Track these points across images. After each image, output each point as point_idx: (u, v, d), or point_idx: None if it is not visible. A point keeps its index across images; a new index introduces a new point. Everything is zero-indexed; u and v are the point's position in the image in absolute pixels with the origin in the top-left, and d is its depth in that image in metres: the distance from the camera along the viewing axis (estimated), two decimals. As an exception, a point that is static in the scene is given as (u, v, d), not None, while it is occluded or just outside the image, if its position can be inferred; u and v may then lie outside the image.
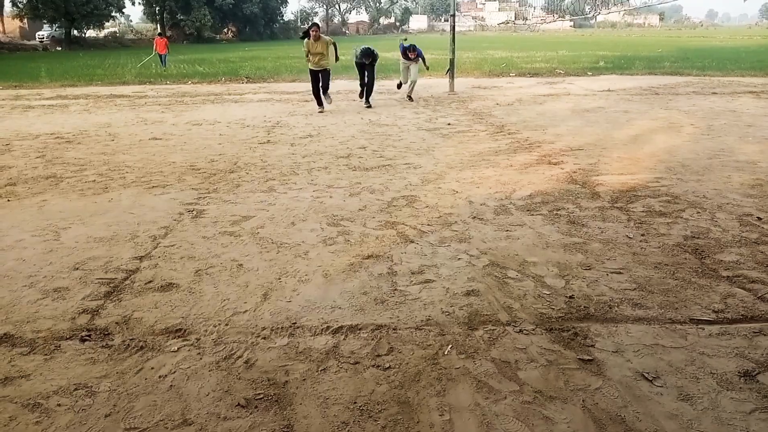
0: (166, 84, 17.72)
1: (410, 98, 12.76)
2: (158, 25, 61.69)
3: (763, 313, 3.14)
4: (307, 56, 10.88)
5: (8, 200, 5.53)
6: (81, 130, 9.47)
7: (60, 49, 44.68)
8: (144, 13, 67.79)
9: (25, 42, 48.19)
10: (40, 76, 18.83)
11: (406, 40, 13.54)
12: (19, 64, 26.63)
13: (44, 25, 50.31)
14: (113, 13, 52.33)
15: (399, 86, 13.44)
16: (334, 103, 11.81)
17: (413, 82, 12.63)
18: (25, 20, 49.47)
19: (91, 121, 10.47)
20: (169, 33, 59.32)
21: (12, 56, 35.84)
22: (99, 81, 18.33)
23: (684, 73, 17.81)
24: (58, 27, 47.35)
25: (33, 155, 7.59)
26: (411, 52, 12.18)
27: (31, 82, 17.91)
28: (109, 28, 60.39)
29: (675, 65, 19.96)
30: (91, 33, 53.95)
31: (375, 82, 12.29)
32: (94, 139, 8.73)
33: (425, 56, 12.62)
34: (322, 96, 11.23)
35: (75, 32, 48.55)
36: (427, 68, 13.17)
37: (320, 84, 11.08)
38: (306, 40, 10.72)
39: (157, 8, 59.30)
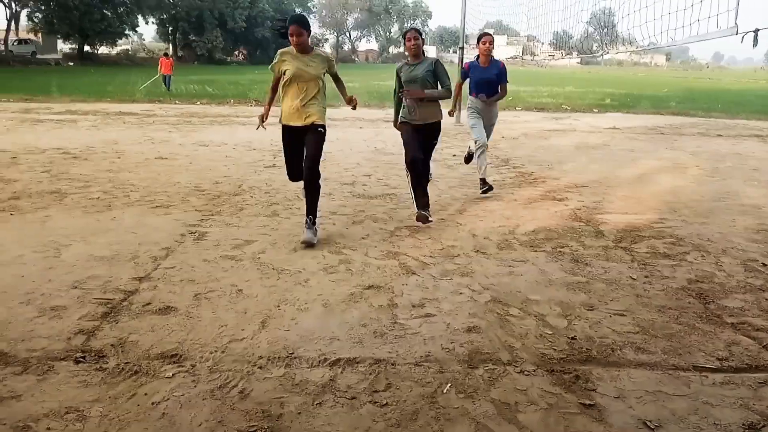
0: (175, 104, 17.87)
1: (485, 184, 6.70)
2: (170, 45, 62.54)
3: (768, 363, 3.09)
4: (277, 88, 5.30)
5: (11, 214, 5.52)
6: (88, 146, 9.51)
7: (72, 64, 45.23)
8: (157, 32, 68.76)
9: (39, 56, 48.78)
10: (51, 91, 19.01)
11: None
12: (32, 78, 26.92)
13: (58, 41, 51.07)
14: (126, 32, 53.10)
15: (468, 159, 7.37)
16: (339, 130, 11.60)
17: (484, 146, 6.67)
18: (40, 35, 50.17)
19: (98, 138, 10.53)
20: (180, 53, 60.18)
21: (25, 70, 36.27)
22: (109, 98, 18.50)
23: (690, 114, 17.91)
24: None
25: (39, 169, 7.61)
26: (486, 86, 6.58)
27: (42, 96, 18.08)
28: (122, 45, 61.14)
29: (681, 105, 20.08)
30: (103, 50, 54.64)
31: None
32: (100, 155, 8.77)
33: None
34: (306, 219, 4.94)
35: (87, 48, 49.18)
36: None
37: (301, 162, 5.12)
38: (279, 54, 5.07)
39: (170, 28, 60.20)
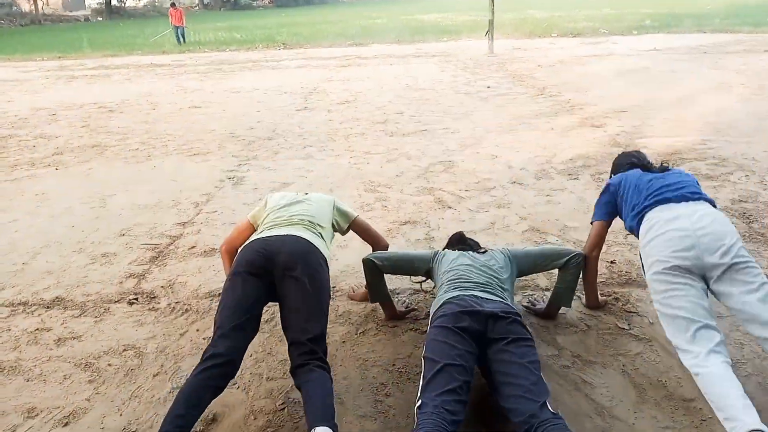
0: (204, 52, 17.83)
1: None
2: (195, -8, 61.77)
3: (813, 278, 3.04)
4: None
5: (56, 169, 5.70)
6: (123, 99, 9.65)
7: (101, 19, 45.29)
8: (181, -19, 67.99)
9: (68, 13, 48.94)
10: (83, 47, 19.16)
11: None
12: (63, 35, 27.14)
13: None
14: (152, -18, 52.65)
15: None
16: (371, 68, 11.46)
17: None
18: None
19: (132, 91, 10.65)
20: (206, 1, 59.49)
21: (55, 28, 36.52)
22: (139, 50, 18.56)
23: (735, 31, 17.02)
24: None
25: (78, 124, 7.78)
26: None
27: (74, 53, 18.26)
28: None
29: (725, 22, 19.08)
30: (130, 2, 54.45)
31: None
32: (135, 108, 8.89)
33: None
34: None
35: (115, 2, 49.05)
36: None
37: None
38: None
39: (195, -24, 59.31)
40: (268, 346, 2.64)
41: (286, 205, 2.67)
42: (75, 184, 5.20)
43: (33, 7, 43.44)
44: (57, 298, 3.16)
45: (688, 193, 2.42)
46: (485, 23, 14.78)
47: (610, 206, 2.73)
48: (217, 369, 2.02)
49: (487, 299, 2.26)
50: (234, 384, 2.38)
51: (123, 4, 51.71)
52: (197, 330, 2.79)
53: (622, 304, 2.87)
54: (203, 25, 31.11)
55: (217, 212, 4.35)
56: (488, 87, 9.40)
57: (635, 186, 2.58)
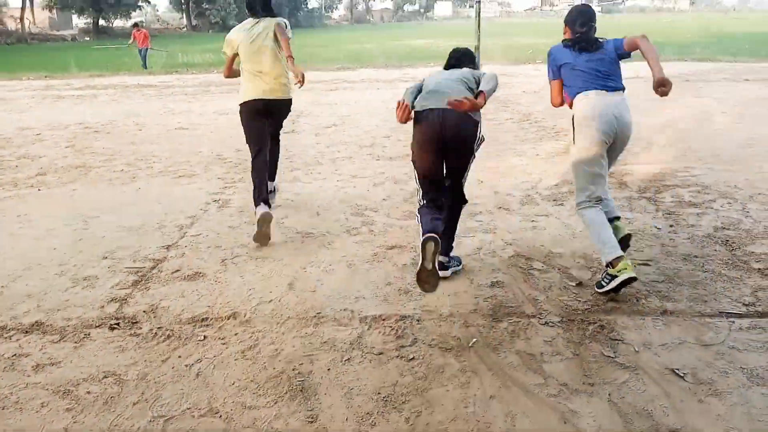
0: (192, 74, 17.86)
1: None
2: (184, 14, 62.14)
3: (796, 306, 3.07)
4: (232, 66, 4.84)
5: (39, 190, 5.64)
6: (109, 120, 9.61)
7: (88, 39, 45.29)
8: (170, 3, 68.32)
9: (55, 32, 48.92)
10: (70, 66, 19.10)
11: None
12: (49, 55, 27.07)
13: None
14: (140, 3, 52.81)
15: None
16: (358, 92, 11.53)
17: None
18: (54, 11, 50.21)
19: (119, 111, 10.61)
20: (194, 22, 59.78)
21: (42, 47, 36.43)
22: (127, 71, 18.55)
23: (716, 59, 17.38)
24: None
25: (63, 145, 7.73)
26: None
27: (61, 73, 18.20)
28: (136, 17, 60.96)
29: (706, 51, 19.49)
30: (118, 23, 54.56)
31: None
32: (122, 128, 8.85)
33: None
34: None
35: (103, 22, 49.13)
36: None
37: (267, 143, 4.62)
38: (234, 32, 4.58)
39: (183, -3, 59.69)
40: (251, 374, 2.60)
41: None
42: (58, 205, 5.15)
43: (19, 26, 43.35)
44: (36, 322, 3.10)
45: (611, 84, 3.39)
46: (471, 49, 14.96)
47: (556, 69, 3.58)
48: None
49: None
50: (216, 413, 2.34)
51: (110, 24, 51.77)
52: (179, 356, 2.75)
53: (608, 332, 2.87)
54: (192, 46, 31.21)
55: (202, 235, 4.32)
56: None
57: (572, 66, 3.48)
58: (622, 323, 2.95)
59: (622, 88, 3.48)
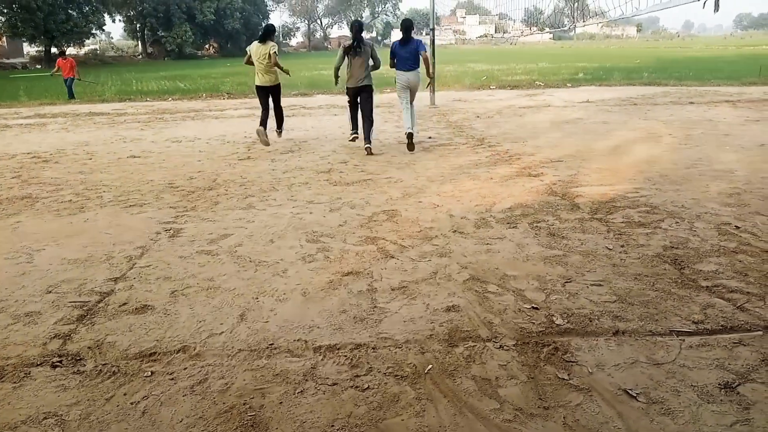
0: (147, 101, 17.61)
1: (411, 144, 8.25)
2: (139, 42, 61.57)
3: (742, 323, 3.14)
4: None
5: (-19, 222, 5.42)
6: (58, 149, 9.35)
7: (39, 67, 44.34)
8: (124, 30, 67.63)
9: (5, 60, 47.77)
10: (19, 95, 18.63)
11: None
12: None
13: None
14: (93, 31, 52.09)
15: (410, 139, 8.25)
16: (314, 118, 11.62)
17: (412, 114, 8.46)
18: (4, 39, 49.08)
19: (69, 140, 10.36)
20: (150, 50, 59.24)
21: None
22: (78, 99, 18.17)
23: (662, 84, 18.03)
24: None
25: (8, 175, 7.48)
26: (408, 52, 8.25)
27: (9, 101, 17.71)
28: (90, 45, 60.05)
29: (653, 75, 20.22)
30: (71, 50, 53.64)
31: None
32: (71, 158, 8.63)
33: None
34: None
35: (54, 50, 48.20)
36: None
37: (268, 107, 9.08)
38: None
39: (138, 25, 59.22)
40: (200, 410, 2.51)
41: None
42: (0, 238, 4.94)
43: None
44: (-28, 362, 2.94)
45: (411, 65, 8.26)
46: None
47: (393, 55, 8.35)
48: None
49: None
50: (162, 452, 2.24)
51: (63, 52, 50.88)
52: (125, 394, 2.63)
53: (562, 354, 2.88)
54: (146, 74, 30.85)
55: (152, 266, 4.20)
56: (430, 137, 9.58)
57: (397, 54, 8.33)
58: (576, 344, 2.96)
59: (417, 67, 8.31)
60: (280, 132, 9.54)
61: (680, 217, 5.00)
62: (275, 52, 8.73)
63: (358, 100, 8.50)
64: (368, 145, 8.28)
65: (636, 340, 3.00)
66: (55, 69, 19.00)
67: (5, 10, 44.16)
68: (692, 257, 4.10)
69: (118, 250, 4.56)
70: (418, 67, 8.32)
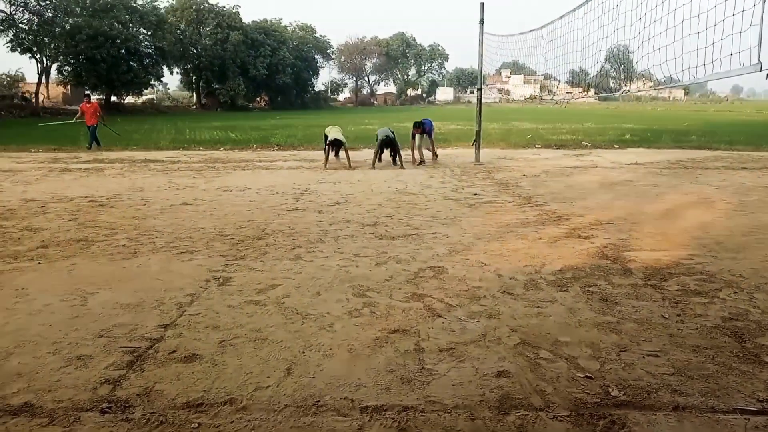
0: (199, 150, 18.20)
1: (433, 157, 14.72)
2: (194, 93, 64.12)
3: (813, 404, 2.96)
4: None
5: (39, 263, 5.60)
6: (114, 194, 9.69)
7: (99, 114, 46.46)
8: (181, 81, 70.69)
9: (67, 107, 50.24)
10: (79, 141, 19.48)
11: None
12: (60, 129, 27.67)
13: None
14: (152, 82, 54.57)
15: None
16: (360, 172, 11.98)
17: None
18: (69, 86, 51.80)
19: (124, 185, 10.73)
20: (204, 101, 61.55)
21: (53, 120, 37.28)
22: (135, 146, 18.91)
23: (712, 148, 17.75)
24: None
25: (66, 218, 7.75)
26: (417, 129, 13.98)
27: (70, 146, 18.52)
28: (147, 95, 62.82)
29: (702, 139, 19.93)
30: (129, 99, 56.16)
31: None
32: (126, 203, 8.91)
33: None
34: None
35: (114, 98, 50.58)
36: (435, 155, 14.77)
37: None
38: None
39: (194, 77, 61.82)
40: (247, 466, 2.48)
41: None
42: (57, 279, 5.09)
43: (34, 100, 44.59)
44: (26, 404, 2.99)
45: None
46: (472, 133, 15.31)
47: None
48: None
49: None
50: None
51: (122, 101, 53.29)
52: (171, 445, 2.63)
53: (619, 428, 2.76)
54: (200, 123, 32.01)
55: (201, 314, 4.24)
56: (476, 194, 9.58)
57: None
58: (634, 418, 2.84)
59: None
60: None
61: (739, 287, 4.81)
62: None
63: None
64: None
65: (697, 417, 2.86)
66: (78, 114, 18.33)
67: (72, 61, 46.74)
68: (753, 330, 3.92)
69: (168, 296, 4.63)
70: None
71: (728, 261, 5.55)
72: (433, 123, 14.50)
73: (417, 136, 13.99)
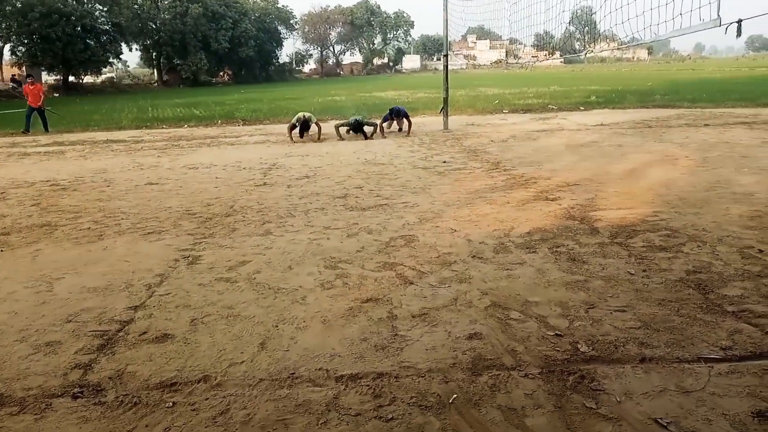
0: (162, 128, 17.83)
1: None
2: (155, 69, 62.60)
3: (772, 349, 3.07)
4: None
5: (1, 250, 5.46)
6: (77, 177, 9.46)
7: (57, 95, 45.14)
8: (141, 59, 68.88)
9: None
10: (37, 123, 18.91)
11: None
12: (16, 113, 26.81)
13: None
14: (111, 59, 53.06)
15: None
16: (329, 144, 11.85)
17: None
18: (23, 67, 50.10)
19: (87, 167, 10.48)
20: (165, 77, 60.17)
21: (9, 103, 36.11)
22: (96, 126, 18.44)
23: (675, 106, 18.00)
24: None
25: (28, 203, 7.56)
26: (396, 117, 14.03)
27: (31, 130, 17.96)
28: (107, 73, 61.14)
29: (666, 98, 20.20)
30: (88, 79, 54.58)
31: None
32: (89, 185, 8.72)
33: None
34: None
35: (72, 78, 49.14)
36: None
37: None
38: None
39: (154, 53, 60.29)
40: (223, 441, 2.48)
41: None
42: (21, 266, 4.98)
43: (-13, 84, 43.15)
44: (-6, 393, 2.94)
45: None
46: (440, 100, 15.26)
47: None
48: None
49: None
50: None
51: (81, 81, 51.76)
52: (146, 426, 2.61)
53: (588, 382, 2.82)
54: (162, 101, 31.30)
55: (171, 294, 4.20)
56: (444, 162, 9.59)
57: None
58: (602, 372, 2.91)
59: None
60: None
61: (702, 240, 4.93)
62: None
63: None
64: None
65: (663, 368, 2.94)
66: (26, 95, 17.74)
67: (26, 41, 45.14)
68: (716, 282, 4.03)
69: (137, 278, 4.57)
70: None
71: (691, 216, 5.67)
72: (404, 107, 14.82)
73: (389, 121, 14.15)
